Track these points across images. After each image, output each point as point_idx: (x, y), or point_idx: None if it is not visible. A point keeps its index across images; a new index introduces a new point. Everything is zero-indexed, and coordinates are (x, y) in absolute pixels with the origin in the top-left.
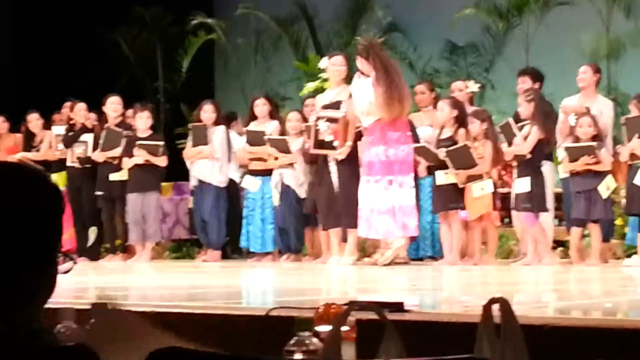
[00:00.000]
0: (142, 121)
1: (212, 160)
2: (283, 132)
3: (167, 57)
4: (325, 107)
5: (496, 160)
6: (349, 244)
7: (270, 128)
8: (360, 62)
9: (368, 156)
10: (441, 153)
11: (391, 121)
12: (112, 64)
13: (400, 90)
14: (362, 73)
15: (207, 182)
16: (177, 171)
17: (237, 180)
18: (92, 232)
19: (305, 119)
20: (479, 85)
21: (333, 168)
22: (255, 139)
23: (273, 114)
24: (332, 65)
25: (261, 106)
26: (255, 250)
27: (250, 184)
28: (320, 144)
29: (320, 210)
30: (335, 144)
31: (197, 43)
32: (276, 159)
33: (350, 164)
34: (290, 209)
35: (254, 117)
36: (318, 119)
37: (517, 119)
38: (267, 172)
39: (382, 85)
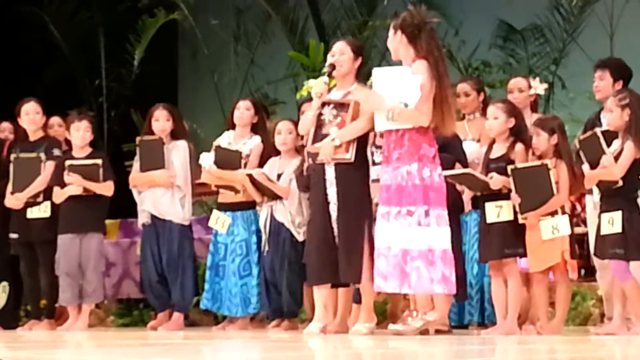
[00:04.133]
0: (79, 135)
1: (170, 189)
2: (267, 153)
3: (114, 45)
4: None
5: (573, 188)
6: (364, 305)
7: (248, 147)
8: (399, 42)
9: (388, 178)
10: (494, 178)
11: (429, 131)
12: (38, 54)
13: (451, 90)
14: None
15: (166, 218)
16: (126, 204)
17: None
18: (3, 290)
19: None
20: (545, 85)
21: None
22: (227, 160)
23: (257, 127)
24: (332, 55)
25: (243, 110)
26: (230, 314)
27: (220, 223)
28: (322, 139)
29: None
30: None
31: (155, 25)
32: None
33: (359, 182)
34: (283, 257)
35: (231, 125)
36: (324, 104)
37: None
38: (238, 206)
39: (432, 79)
